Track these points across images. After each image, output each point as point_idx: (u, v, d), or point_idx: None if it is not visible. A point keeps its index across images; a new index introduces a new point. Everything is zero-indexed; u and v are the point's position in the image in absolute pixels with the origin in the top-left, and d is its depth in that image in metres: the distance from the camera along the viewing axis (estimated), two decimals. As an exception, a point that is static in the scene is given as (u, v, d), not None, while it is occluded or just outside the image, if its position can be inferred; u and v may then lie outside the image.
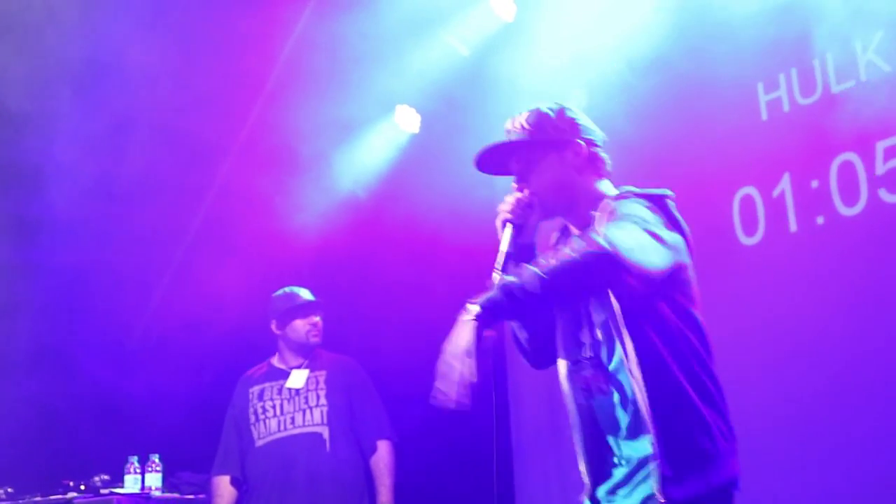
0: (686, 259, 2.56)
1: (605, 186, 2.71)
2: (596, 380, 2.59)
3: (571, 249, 2.34)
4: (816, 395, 4.04)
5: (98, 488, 4.78)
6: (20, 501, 4.78)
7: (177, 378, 5.59)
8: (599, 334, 2.59)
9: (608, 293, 2.50)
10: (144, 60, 4.83)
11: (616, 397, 2.56)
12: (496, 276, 2.52)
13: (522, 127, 2.72)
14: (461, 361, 2.37)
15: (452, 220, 4.91)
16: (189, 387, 5.59)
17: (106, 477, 4.86)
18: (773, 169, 4.31)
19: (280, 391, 4.76)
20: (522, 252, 2.66)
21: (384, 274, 5.51)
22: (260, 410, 4.75)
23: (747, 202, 4.42)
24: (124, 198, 5.25)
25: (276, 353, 4.91)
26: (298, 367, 4.83)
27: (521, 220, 2.65)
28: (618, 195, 2.62)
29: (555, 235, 2.80)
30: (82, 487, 4.79)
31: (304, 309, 4.83)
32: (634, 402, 2.49)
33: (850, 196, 4.05)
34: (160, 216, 5.50)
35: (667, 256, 2.43)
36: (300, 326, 4.80)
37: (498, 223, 2.67)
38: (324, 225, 5.51)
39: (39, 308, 5.35)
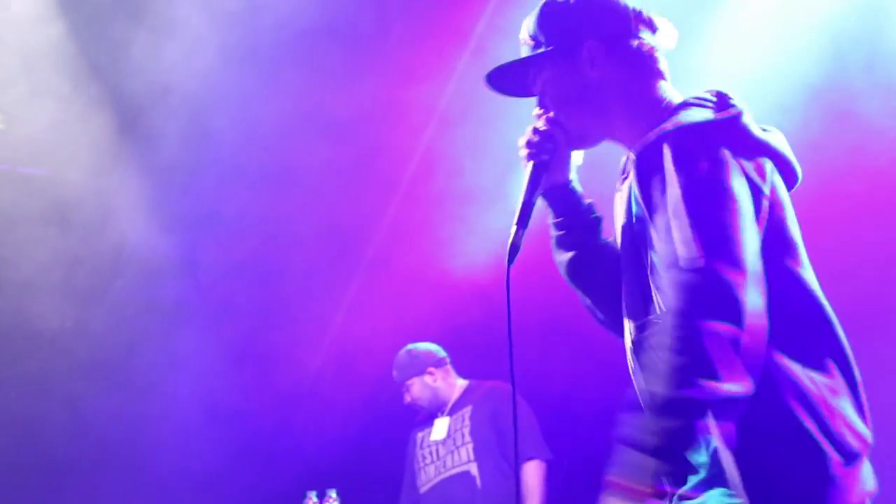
0: (766, 211, 1.80)
1: (665, 91, 2.00)
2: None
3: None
4: None
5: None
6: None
7: (352, 415, 5.70)
8: None
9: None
10: (313, 82, 4.85)
11: None
12: (512, 231, 1.99)
13: (529, 35, 2.07)
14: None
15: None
16: (364, 424, 5.68)
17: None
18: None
19: (435, 436, 4.86)
20: (557, 195, 2.10)
21: (546, 308, 5.42)
22: (420, 458, 4.87)
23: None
24: (296, 240, 5.41)
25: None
26: (445, 407, 4.90)
27: (545, 155, 2.04)
28: (672, 130, 1.81)
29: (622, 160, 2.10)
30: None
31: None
32: None
33: None
34: (332, 257, 5.61)
35: (756, 244, 1.70)
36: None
37: (522, 162, 2.08)
38: (491, 260, 5.50)
39: (226, 341, 5.59)
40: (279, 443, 5.82)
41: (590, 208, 2.17)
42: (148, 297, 5.38)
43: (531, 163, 2.05)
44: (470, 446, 4.72)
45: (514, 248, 2.01)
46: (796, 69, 4.49)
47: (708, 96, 1.95)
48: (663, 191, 1.75)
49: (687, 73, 4.80)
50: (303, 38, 4.65)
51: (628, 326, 1.98)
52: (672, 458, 1.56)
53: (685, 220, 1.69)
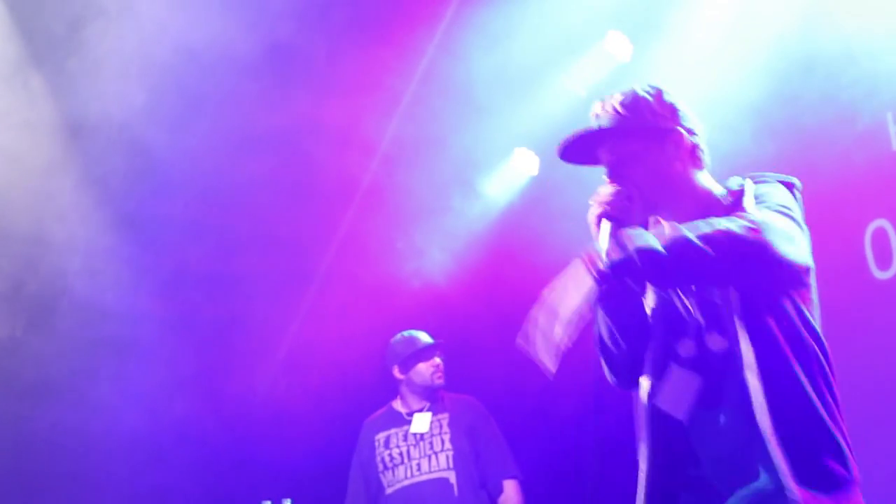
0: (811, 262, 2.31)
1: (707, 180, 2.44)
2: (707, 387, 2.24)
3: (727, 221, 2.10)
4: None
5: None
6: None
7: (305, 424, 5.68)
8: (715, 339, 2.26)
9: (729, 284, 2.21)
10: (271, 100, 4.90)
11: (723, 415, 2.21)
12: (594, 273, 2.24)
13: (616, 112, 2.42)
14: (564, 326, 2.17)
15: (570, 262, 4.88)
16: (317, 432, 5.67)
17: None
18: (905, 201, 4.17)
19: (406, 437, 4.77)
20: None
21: (504, 315, 5.49)
22: (387, 458, 4.76)
23: (880, 235, 4.27)
24: (250, 249, 5.38)
25: (398, 398, 4.93)
26: (420, 410, 4.83)
27: (621, 215, 2.32)
28: (755, 175, 2.36)
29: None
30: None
31: (427, 352, 4.87)
32: (750, 419, 2.13)
33: None
34: (285, 269, 5.60)
35: (807, 252, 2.24)
36: (424, 369, 4.82)
37: (591, 217, 2.36)
38: (445, 269, 5.55)
39: (175, 354, 5.50)
40: (232, 454, 5.76)
41: None
42: (93, 311, 5.25)
43: (606, 221, 2.32)
44: (450, 454, 4.69)
45: (603, 294, 2.32)
46: (740, 89, 4.62)
47: (739, 179, 2.44)
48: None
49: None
50: (253, 53, 4.63)
51: (648, 377, 2.36)
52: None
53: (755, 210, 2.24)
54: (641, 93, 2.45)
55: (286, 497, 4.99)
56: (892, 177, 4.23)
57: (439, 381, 4.84)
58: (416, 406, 4.87)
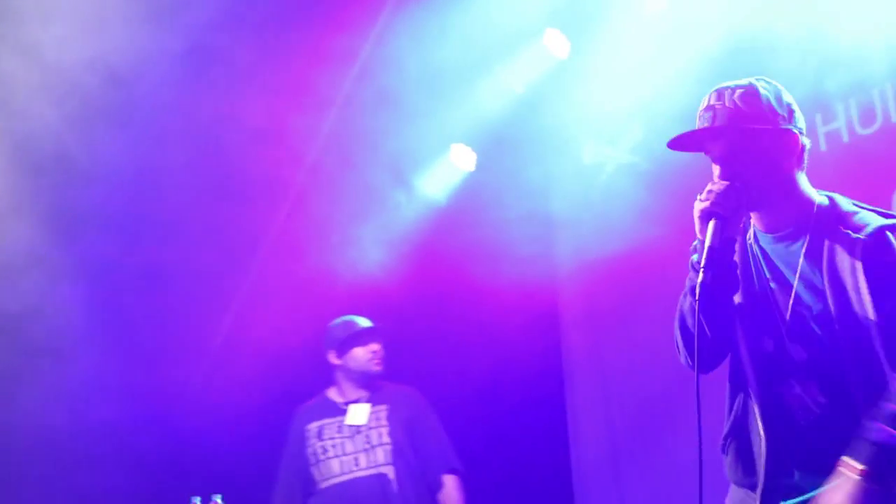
0: None
1: (807, 185, 2.44)
2: (810, 395, 2.32)
3: None
4: None
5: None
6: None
7: (238, 419, 5.62)
8: (797, 349, 2.33)
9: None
10: (197, 99, 4.82)
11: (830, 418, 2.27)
12: (701, 275, 2.28)
13: (735, 106, 2.35)
14: None
15: (507, 256, 4.92)
16: (250, 427, 5.62)
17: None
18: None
19: (340, 429, 4.51)
20: (726, 248, 2.34)
21: (440, 309, 5.51)
22: (320, 451, 4.50)
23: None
24: (181, 244, 5.29)
25: (334, 386, 4.68)
26: (357, 401, 4.57)
27: (729, 213, 2.31)
28: (889, 225, 2.31)
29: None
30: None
31: (364, 336, 4.61)
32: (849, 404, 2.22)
33: (913, 226, 3.98)
34: (219, 258, 5.54)
35: None
36: (360, 355, 4.58)
37: (697, 213, 2.35)
38: (381, 262, 5.54)
39: (107, 348, 5.41)
40: (163, 451, 5.65)
41: (737, 265, 2.44)
42: (15, 309, 5.13)
43: (715, 218, 2.31)
44: (388, 448, 4.44)
45: (704, 287, 2.28)
46: (675, 88, 4.68)
47: (847, 200, 2.46)
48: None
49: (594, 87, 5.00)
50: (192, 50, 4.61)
51: (757, 378, 2.37)
52: None
53: None
54: (762, 90, 2.40)
55: (217, 493, 4.89)
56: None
57: (376, 368, 4.57)
58: (352, 395, 4.60)
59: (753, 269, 2.43)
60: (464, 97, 5.31)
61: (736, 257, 2.39)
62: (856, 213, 2.36)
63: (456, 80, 5.20)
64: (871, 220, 2.33)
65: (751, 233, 2.48)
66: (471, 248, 5.17)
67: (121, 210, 5.08)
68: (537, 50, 5.20)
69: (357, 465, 4.43)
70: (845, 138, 4.28)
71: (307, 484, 4.55)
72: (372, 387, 4.60)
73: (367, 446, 4.45)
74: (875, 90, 4.17)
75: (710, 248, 2.28)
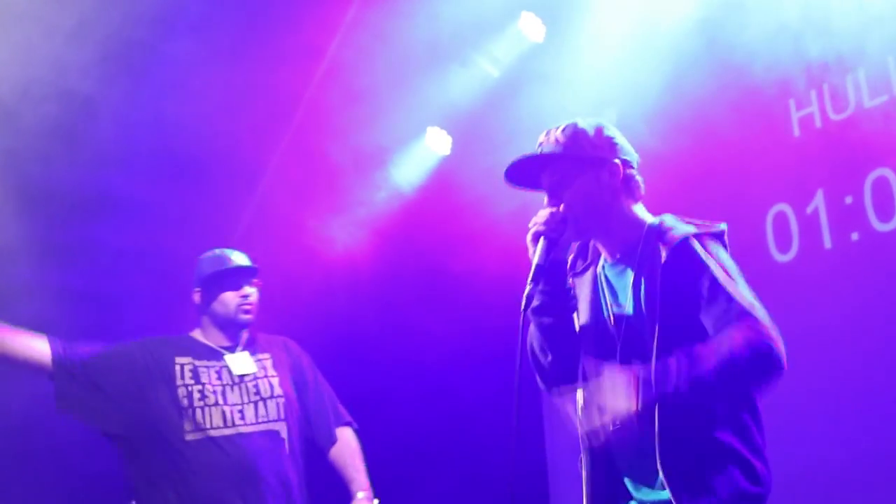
0: None
1: (641, 211, 2.64)
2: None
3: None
4: (853, 414, 4.00)
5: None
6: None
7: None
8: (635, 360, 2.43)
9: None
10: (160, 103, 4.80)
11: (636, 431, 2.36)
12: (528, 289, 2.51)
13: (557, 140, 2.62)
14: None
15: (481, 242, 4.92)
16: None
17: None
18: (806, 185, 4.29)
19: (220, 375, 3.73)
20: (554, 268, 2.61)
21: (418, 291, 5.51)
22: (197, 395, 3.64)
23: (781, 219, 4.40)
24: (161, 222, 5.27)
25: (198, 329, 3.88)
26: (231, 348, 3.84)
27: (555, 235, 2.56)
28: (698, 233, 2.49)
29: (570, 257, 2.75)
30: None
31: (234, 276, 3.83)
32: (652, 435, 2.36)
33: (884, 212, 4.02)
34: (197, 239, 5.50)
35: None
36: (229, 300, 3.80)
37: (529, 237, 2.59)
38: (353, 246, 5.53)
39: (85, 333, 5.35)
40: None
41: (571, 287, 2.72)
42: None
43: (543, 238, 2.56)
44: (281, 402, 3.77)
45: (529, 299, 2.56)
46: (648, 74, 4.71)
47: (673, 218, 2.60)
48: (705, 274, 2.42)
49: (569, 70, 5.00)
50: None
51: (583, 389, 2.56)
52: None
53: (734, 290, 2.40)
54: (582, 124, 2.64)
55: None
56: (794, 161, 4.35)
57: (245, 318, 3.82)
58: (222, 342, 3.83)
59: (601, 297, 2.62)
60: (441, 79, 5.30)
61: (587, 288, 2.64)
62: (674, 227, 2.53)
63: (433, 61, 5.19)
64: (683, 230, 2.51)
65: (600, 264, 2.66)
66: (448, 231, 5.17)
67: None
68: (513, 33, 5.20)
69: (243, 418, 3.66)
70: (818, 124, 4.30)
71: (160, 425, 3.62)
72: (238, 338, 3.86)
73: (256, 398, 3.73)
74: (848, 76, 4.19)
75: (538, 265, 2.52)
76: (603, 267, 2.65)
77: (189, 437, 3.58)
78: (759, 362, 2.27)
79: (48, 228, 4.95)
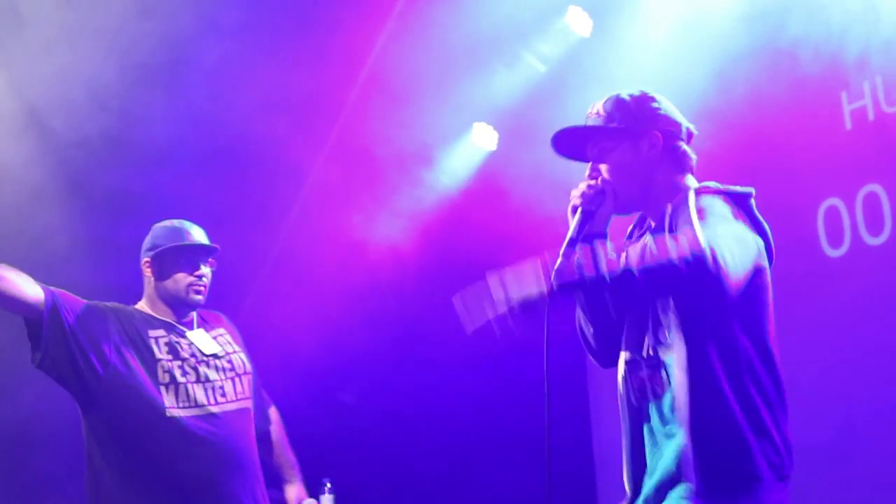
0: (764, 262, 2.44)
1: (688, 181, 2.58)
2: (652, 381, 2.45)
3: (669, 244, 2.21)
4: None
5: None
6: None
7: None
8: (668, 335, 2.41)
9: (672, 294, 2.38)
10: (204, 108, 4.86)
11: (667, 403, 2.41)
12: (558, 262, 2.42)
13: (599, 113, 2.62)
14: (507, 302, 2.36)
15: (527, 237, 4.91)
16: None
17: None
18: (858, 179, 4.22)
19: (193, 352, 3.56)
20: (588, 242, 2.49)
21: (461, 284, 5.50)
22: (178, 371, 3.47)
23: (832, 213, 4.33)
24: (207, 218, 5.31)
25: (144, 300, 3.65)
26: (188, 324, 3.64)
27: (592, 207, 2.55)
28: (698, 189, 2.48)
29: (630, 227, 2.70)
30: None
31: (193, 254, 3.60)
32: (678, 410, 2.37)
33: (938, 205, 3.96)
34: (243, 236, 5.55)
35: (749, 263, 2.33)
36: (181, 280, 3.57)
37: (569, 210, 2.58)
38: (400, 242, 5.55)
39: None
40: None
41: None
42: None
43: (580, 210, 2.54)
44: (251, 377, 3.64)
45: (558, 274, 2.38)
46: (694, 70, 4.65)
47: (717, 184, 2.53)
48: (686, 221, 2.36)
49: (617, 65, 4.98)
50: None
51: (623, 362, 2.55)
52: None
53: (697, 224, 2.32)
54: (624, 96, 2.63)
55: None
56: (846, 155, 4.29)
57: (196, 298, 3.59)
58: (169, 317, 3.62)
59: None
60: (486, 79, 5.30)
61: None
62: (691, 188, 2.51)
63: (479, 56, 5.19)
64: (693, 187, 2.51)
65: (646, 233, 2.62)
66: (494, 227, 5.16)
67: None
68: (560, 28, 5.18)
69: (224, 394, 3.52)
70: (871, 116, 4.23)
71: (132, 401, 3.42)
72: (189, 314, 3.66)
73: (231, 374, 3.58)
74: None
75: (570, 238, 2.49)
76: (649, 235, 2.59)
77: (169, 413, 3.41)
78: (687, 263, 2.17)
79: (100, 230, 5.03)
